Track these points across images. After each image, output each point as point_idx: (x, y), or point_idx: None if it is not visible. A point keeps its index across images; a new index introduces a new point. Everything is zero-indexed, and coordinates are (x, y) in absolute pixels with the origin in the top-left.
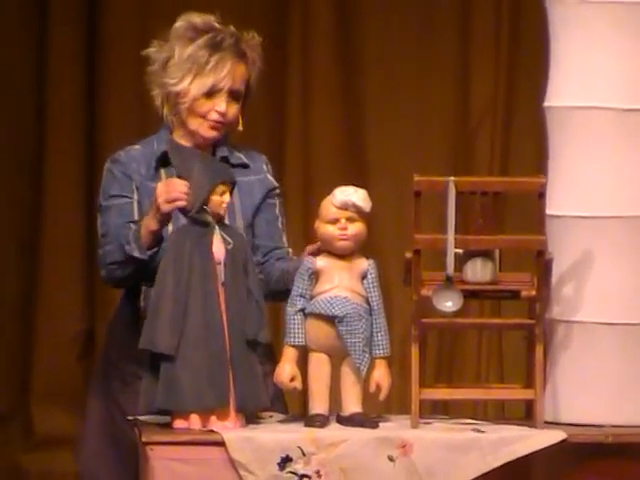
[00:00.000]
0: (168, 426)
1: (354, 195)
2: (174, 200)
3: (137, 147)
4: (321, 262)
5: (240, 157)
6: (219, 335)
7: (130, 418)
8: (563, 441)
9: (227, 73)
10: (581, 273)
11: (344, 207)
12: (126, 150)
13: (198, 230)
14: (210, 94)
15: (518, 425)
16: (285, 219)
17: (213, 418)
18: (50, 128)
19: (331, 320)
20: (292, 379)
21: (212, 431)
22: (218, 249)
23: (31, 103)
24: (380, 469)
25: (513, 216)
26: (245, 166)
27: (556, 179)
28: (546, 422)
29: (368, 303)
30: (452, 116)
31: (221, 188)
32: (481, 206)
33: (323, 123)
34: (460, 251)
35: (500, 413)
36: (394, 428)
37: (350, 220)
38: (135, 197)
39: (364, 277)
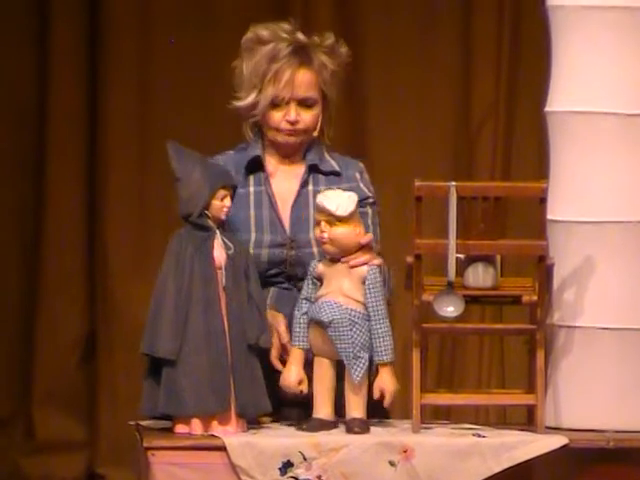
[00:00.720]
0: (169, 431)
1: (327, 199)
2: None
3: (230, 152)
4: (322, 266)
5: (332, 165)
6: (220, 340)
7: (131, 423)
8: (564, 446)
9: (286, 83)
10: (582, 278)
11: (320, 210)
12: (220, 155)
13: (199, 235)
14: (276, 105)
15: (519, 430)
16: (379, 228)
17: (214, 423)
18: (51, 130)
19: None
20: (299, 382)
21: (213, 436)
22: (219, 254)
23: (32, 105)
24: (381, 474)
25: (514, 221)
26: (336, 174)
27: (557, 184)
28: (547, 427)
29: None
30: (453, 121)
31: (222, 192)
32: (482, 211)
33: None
34: (461, 256)
35: (501, 418)
36: (395, 433)
37: (329, 223)
38: None
39: (364, 282)
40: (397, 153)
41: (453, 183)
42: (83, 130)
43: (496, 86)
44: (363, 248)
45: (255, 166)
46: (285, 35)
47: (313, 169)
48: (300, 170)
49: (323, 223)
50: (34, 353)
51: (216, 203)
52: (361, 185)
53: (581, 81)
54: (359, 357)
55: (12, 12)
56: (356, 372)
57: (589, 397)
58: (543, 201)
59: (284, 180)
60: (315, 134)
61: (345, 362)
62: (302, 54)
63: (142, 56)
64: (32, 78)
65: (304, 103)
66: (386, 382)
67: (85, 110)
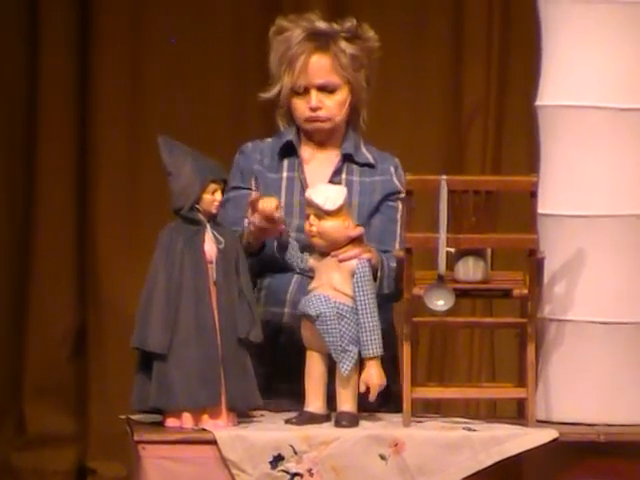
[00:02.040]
0: (160, 425)
1: (315, 193)
2: (266, 215)
3: (268, 140)
4: (312, 260)
5: (367, 157)
6: (211, 334)
7: (122, 417)
8: (555, 440)
9: (301, 69)
10: (573, 272)
11: (308, 203)
12: (255, 142)
13: (189, 229)
14: (298, 93)
15: (510, 424)
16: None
17: (205, 417)
18: (42, 122)
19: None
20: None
21: (204, 430)
22: (210, 248)
23: (22, 97)
24: (372, 467)
25: (505, 215)
26: (371, 166)
27: (548, 178)
28: (538, 421)
29: None
30: (444, 116)
31: (212, 186)
32: (473, 205)
33: None
34: (452, 250)
35: (492, 412)
36: (386, 427)
37: (317, 217)
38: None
39: (353, 276)
40: (388, 148)
41: (444, 177)
42: (74, 122)
43: (486, 80)
44: (354, 241)
45: (289, 152)
46: (304, 23)
47: (348, 158)
48: (335, 159)
49: (312, 217)
50: (24, 347)
51: (207, 197)
52: (394, 179)
53: (572, 75)
54: (347, 351)
55: (1, 5)
56: (344, 365)
57: (580, 391)
58: (534, 195)
59: (318, 167)
60: (338, 119)
61: (334, 355)
62: (316, 40)
63: (134, 45)
64: (21, 69)
65: (325, 89)
66: (372, 376)
67: (76, 103)
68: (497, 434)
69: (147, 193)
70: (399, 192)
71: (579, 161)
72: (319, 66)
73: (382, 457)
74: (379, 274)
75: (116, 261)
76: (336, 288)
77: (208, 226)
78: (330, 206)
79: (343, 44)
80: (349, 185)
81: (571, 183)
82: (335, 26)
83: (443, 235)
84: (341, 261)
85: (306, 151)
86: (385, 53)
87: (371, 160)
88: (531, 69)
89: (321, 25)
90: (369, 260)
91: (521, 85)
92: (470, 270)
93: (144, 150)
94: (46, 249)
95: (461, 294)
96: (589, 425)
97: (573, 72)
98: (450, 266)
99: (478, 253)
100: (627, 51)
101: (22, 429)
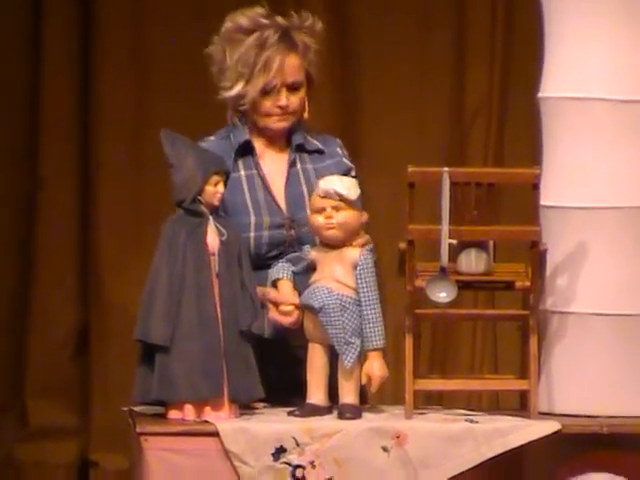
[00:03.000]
0: (162, 417)
1: (337, 183)
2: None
3: (212, 139)
4: (314, 253)
5: (315, 144)
6: (213, 326)
7: (124, 409)
8: (557, 432)
9: (277, 70)
10: (575, 264)
11: (327, 195)
12: (202, 142)
13: (192, 221)
14: (266, 92)
15: (512, 416)
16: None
17: (207, 409)
18: (44, 124)
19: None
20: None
21: (206, 422)
22: (212, 240)
23: (25, 98)
24: (374, 460)
25: (507, 207)
26: (320, 152)
27: (550, 170)
28: (540, 413)
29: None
30: (447, 108)
31: (215, 178)
32: (475, 197)
33: (318, 115)
34: (454, 242)
35: (494, 404)
36: (388, 419)
37: (336, 209)
38: None
39: (356, 268)
40: (391, 143)
41: (446, 169)
42: (77, 120)
43: (489, 73)
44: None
45: (243, 150)
46: (265, 21)
47: (298, 149)
48: (286, 151)
49: (329, 209)
50: (27, 345)
51: (209, 189)
52: (344, 159)
53: (574, 67)
54: (350, 343)
55: (4, 2)
56: (347, 357)
57: (582, 383)
58: (536, 187)
59: (272, 162)
60: (306, 115)
61: (336, 347)
62: (288, 39)
63: (137, 44)
64: (25, 71)
65: (292, 87)
66: (375, 368)
67: (79, 102)
68: (499, 426)
69: (150, 192)
70: (351, 169)
71: (581, 153)
72: (291, 65)
73: (384, 449)
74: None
75: (118, 260)
76: (339, 280)
77: (210, 218)
78: (353, 195)
79: (308, 40)
80: (305, 174)
81: (573, 175)
82: (295, 20)
83: (445, 227)
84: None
85: (258, 148)
86: (388, 50)
87: (320, 146)
88: (533, 66)
89: (283, 22)
90: (371, 250)
91: (523, 82)
92: (472, 262)
93: (147, 149)
94: (49, 248)
95: (463, 286)
96: (591, 417)
97: (575, 64)
98: (452, 258)
99: (480, 245)
100: (630, 43)
101: (24, 422)
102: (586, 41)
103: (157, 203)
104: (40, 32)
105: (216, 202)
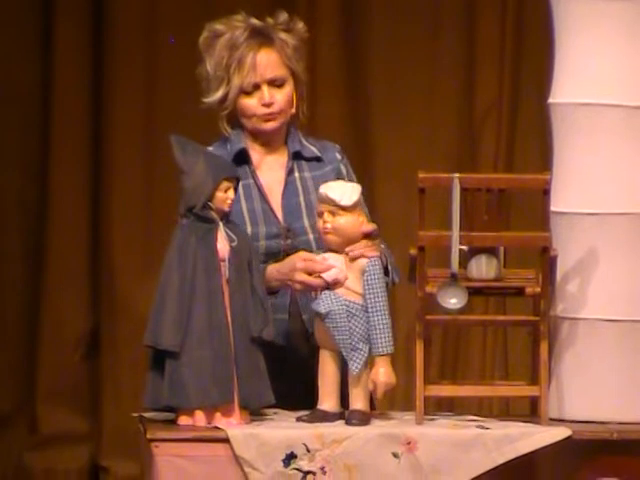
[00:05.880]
0: (173, 423)
1: (331, 189)
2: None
3: (210, 149)
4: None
5: (312, 150)
6: (223, 332)
7: (134, 415)
8: (568, 438)
9: (250, 67)
10: (586, 270)
11: (322, 201)
12: None
13: (202, 227)
14: (247, 92)
15: (523, 422)
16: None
17: (218, 415)
18: (56, 132)
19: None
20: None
21: (217, 428)
22: (222, 246)
23: (36, 108)
24: (385, 466)
25: (518, 213)
26: (319, 159)
27: (561, 176)
28: (551, 419)
29: None
30: (457, 113)
31: (225, 184)
32: (486, 203)
33: (329, 120)
34: (465, 248)
35: (505, 410)
36: (399, 425)
37: (332, 213)
38: None
39: (364, 274)
40: (401, 148)
41: (456, 175)
42: (89, 124)
43: (499, 79)
44: (366, 237)
45: (240, 160)
46: (239, 23)
47: (296, 156)
48: (283, 159)
49: (326, 214)
50: (38, 349)
51: (220, 195)
52: (341, 166)
53: (585, 73)
54: (358, 349)
55: (16, 11)
56: (355, 364)
57: (592, 389)
58: (546, 193)
59: (269, 170)
60: (293, 111)
61: (344, 354)
62: (260, 36)
63: (148, 58)
64: (36, 79)
65: (274, 83)
66: (380, 374)
67: (90, 115)
68: (510, 432)
69: (161, 197)
70: (346, 176)
71: (592, 159)
72: (267, 61)
73: (395, 455)
74: (389, 268)
75: (130, 264)
76: (347, 286)
77: (221, 224)
78: (347, 201)
79: (284, 35)
80: (303, 182)
81: (584, 181)
82: (270, 20)
83: (456, 233)
84: (352, 259)
85: (254, 157)
86: (398, 54)
87: (317, 153)
88: (544, 69)
89: (258, 22)
90: (379, 258)
91: (534, 85)
92: (483, 268)
93: (158, 155)
94: (61, 251)
95: (474, 292)
96: (602, 423)
97: (586, 70)
98: (463, 264)
99: (491, 251)
100: None
101: (34, 428)
102: (597, 46)
103: (169, 208)
104: (51, 34)
105: (226, 208)
